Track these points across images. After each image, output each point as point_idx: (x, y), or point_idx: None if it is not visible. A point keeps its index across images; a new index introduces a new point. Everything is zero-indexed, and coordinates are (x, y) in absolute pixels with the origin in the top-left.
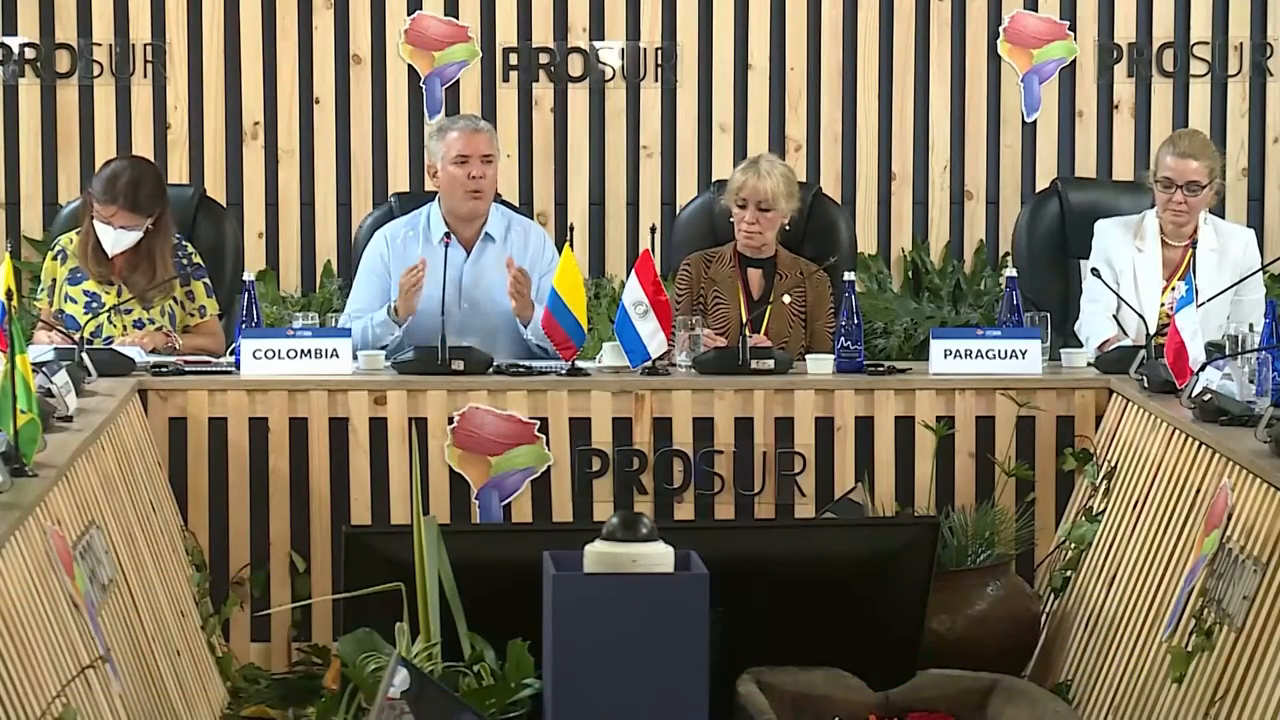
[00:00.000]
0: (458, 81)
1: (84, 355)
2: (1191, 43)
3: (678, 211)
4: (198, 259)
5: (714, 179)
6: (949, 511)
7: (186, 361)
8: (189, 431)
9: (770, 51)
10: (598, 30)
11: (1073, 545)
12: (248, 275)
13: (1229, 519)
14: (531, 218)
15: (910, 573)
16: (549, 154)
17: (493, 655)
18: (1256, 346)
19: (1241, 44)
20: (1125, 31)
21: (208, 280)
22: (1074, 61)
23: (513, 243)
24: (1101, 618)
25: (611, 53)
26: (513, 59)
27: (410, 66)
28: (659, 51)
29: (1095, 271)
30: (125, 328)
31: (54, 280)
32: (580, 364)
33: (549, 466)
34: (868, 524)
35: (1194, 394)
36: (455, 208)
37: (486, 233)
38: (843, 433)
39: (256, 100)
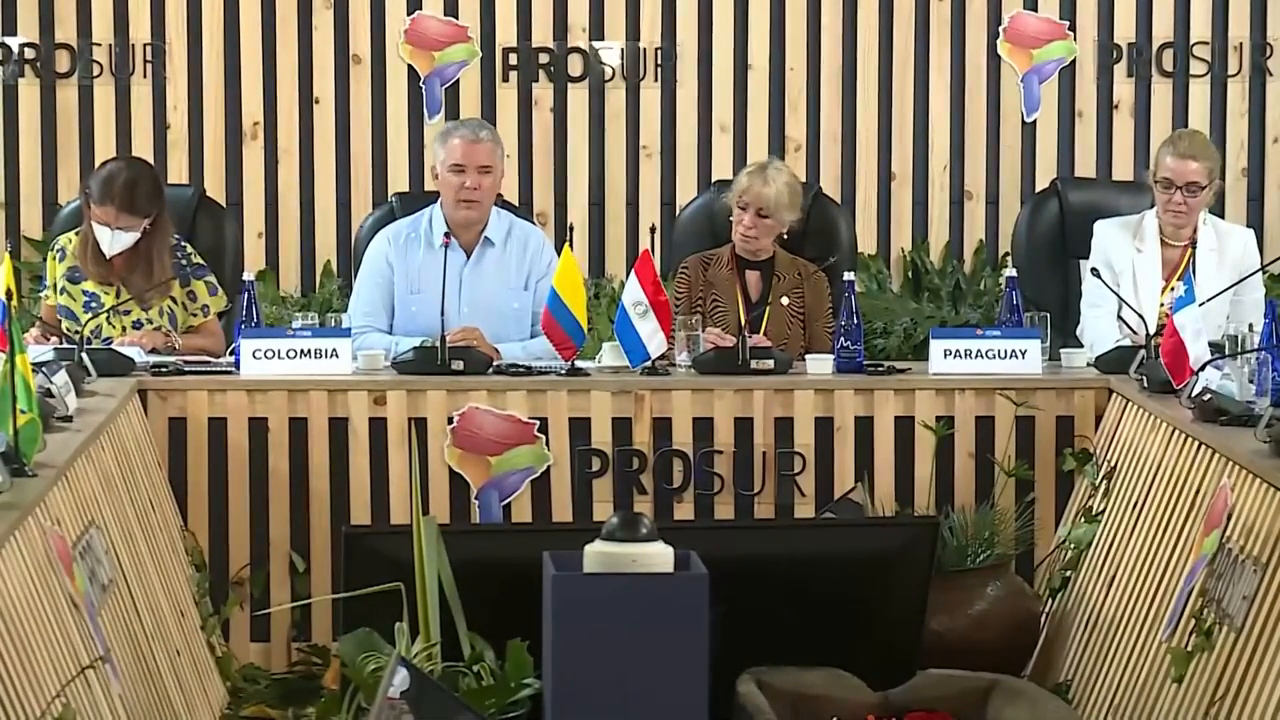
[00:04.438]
0: (458, 81)
1: (84, 355)
2: (1191, 43)
3: (678, 211)
4: (197, 259)
5: (714, 179)
6: (949, 511)
7: (186, 361)
8: (189, 431)
9: (770, 51)
10: (598, 30)
11: (1072, 545)
12: (248, 275)
13: (1229, 519)
14: (531, 218)
15: (910, 573)
16: (549, 154)
17: (492, 655)
18: (1256, 346)
19: (1241, 44)
20: (1125, 31)
21: (210, 278)
22: (1074, 61)
23: (512, 247)
24: (1101, 618)
25: (611, 53)
26: (513, 59)
27: (410, 66)
28: (659, 51)
29: (1095, 271)
30: (124, 328)
31: (55, 279)
32: (580, 364)
33: (549, 466)
34: (868, 524)
35: (1194, 394)
36: (451, 214)
37: (486, 237)
38: (842, 433)
39: (256, 100)
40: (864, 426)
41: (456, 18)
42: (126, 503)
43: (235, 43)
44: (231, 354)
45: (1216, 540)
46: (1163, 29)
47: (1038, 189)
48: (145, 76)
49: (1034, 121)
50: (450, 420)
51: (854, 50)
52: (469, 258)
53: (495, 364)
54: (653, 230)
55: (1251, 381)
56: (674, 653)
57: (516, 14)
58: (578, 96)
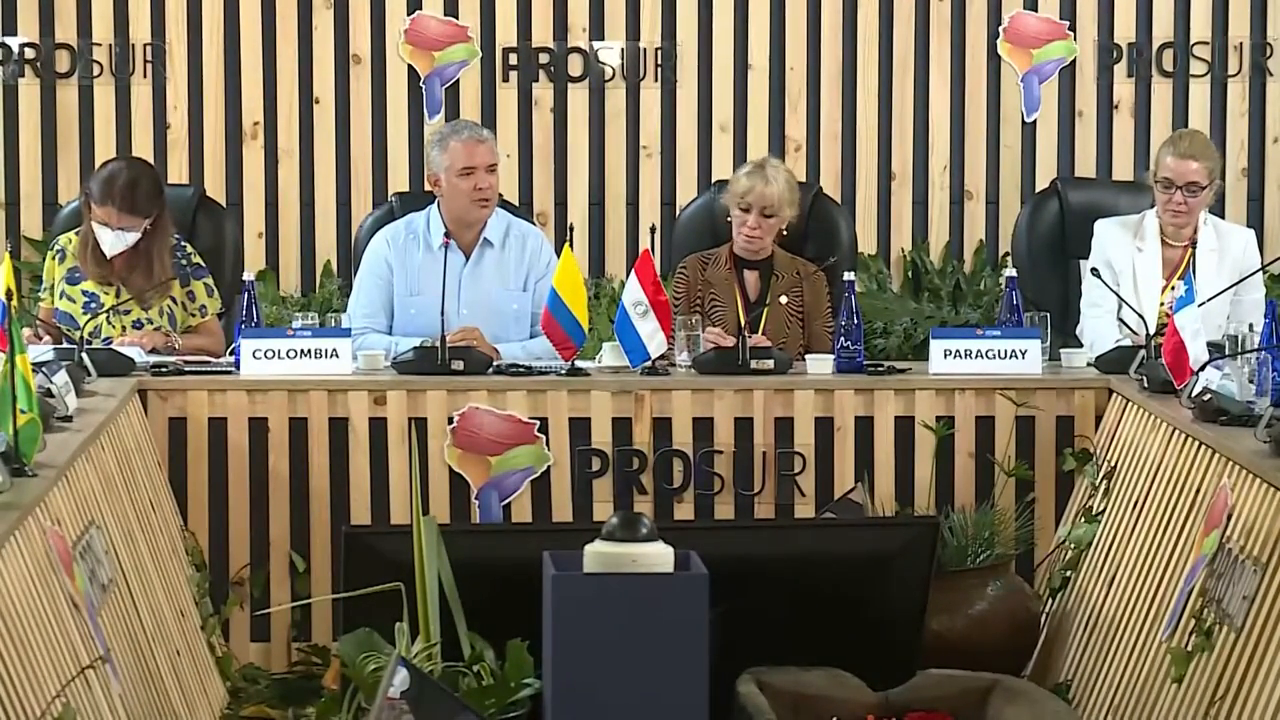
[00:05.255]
0: (458, 81)
1: (84, 355)
2: (1191, 43)
3: (678, 212)
4: (197, 259)
5: (714, 179)
6: (949, 511)
7: (186, 361)
8: (189, 431)
9: (770, 51)
10: (598, 30)
11: (1072, 545)
12: (248, 275)
13: (1229, 519)
14: (531, 218)
15: (910, 573)
16: (549, 154)
17: (492, 655)
18: (1256, 346)
19: (1241, 44)
20: (1125, 31)
21: (209, 280)
22: (1074, 61)
23: (511, 247)
24: (1101, 618)
25: (611, 53)
26: (513, 59)
27: (410, 66)
28: (659, 51)
29: (1095, 271)
30: (124, 328)
31: (54, 280)
32: (580, 364)
33: (549, 466)
34: (868, 524)
35: (1194, 394)
36: (463, 215)
37: (485, 238)
38: (842, 433)
39: (256, 100)
40: (864, 426)
41: (456, 18)
42: (126, 503)
43: (235, 43)
44: (231, 354)
45: (1216, 540)
46: (1163, 29)
47: (1038, 189)
48: (145, 76)
49: (1034, 121)
50: (450, 420)
51: (854, 50)
52: (468, 259)
53: (495, 364)
54: (653, 230)
55: (1251, 381)
56: (674, 653)
57: (516, 14)
58: (578, 96)
